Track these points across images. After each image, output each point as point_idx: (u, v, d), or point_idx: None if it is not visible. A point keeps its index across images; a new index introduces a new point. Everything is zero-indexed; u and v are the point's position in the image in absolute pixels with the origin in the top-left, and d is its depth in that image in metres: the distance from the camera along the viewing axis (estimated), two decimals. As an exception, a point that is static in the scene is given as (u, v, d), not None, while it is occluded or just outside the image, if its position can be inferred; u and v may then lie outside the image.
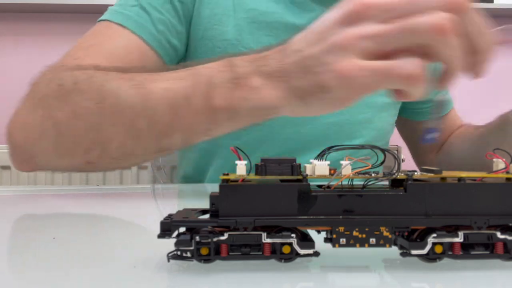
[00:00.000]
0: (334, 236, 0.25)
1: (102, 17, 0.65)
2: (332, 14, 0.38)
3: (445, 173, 0.26)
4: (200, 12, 0.70)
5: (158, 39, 0.65)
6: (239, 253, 0.25)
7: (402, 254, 0.26)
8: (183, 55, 0.72)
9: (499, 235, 0.25)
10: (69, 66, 0.55)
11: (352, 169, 0.25)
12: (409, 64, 0.32)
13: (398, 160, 0.25)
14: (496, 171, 0.26)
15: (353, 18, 0.35)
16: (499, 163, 0.26)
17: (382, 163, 0.26)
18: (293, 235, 0.25)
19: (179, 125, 0.46)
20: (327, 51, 0.36)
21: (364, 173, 0.26)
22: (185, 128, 0.46)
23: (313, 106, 0.40)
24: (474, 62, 0.34)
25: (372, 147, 0.26)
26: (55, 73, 0.53)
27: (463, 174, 0.26)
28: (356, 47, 0.34)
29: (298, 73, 0.39)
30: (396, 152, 0.27)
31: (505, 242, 0.25)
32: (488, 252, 0.25)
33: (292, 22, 0.69)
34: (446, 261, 0.26)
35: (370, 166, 0.25)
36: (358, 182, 0.27)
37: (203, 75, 0.45)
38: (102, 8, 0.70)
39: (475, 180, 0.26)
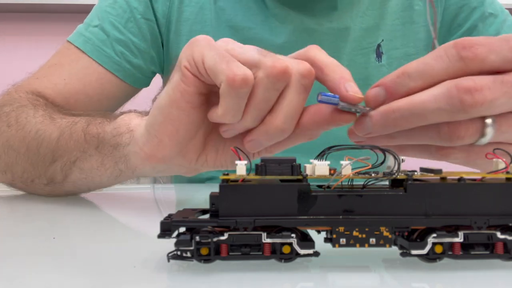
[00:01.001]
0: (334, 236, 0.25)
1: (69, 37, 0.68)
2: None
3: (445, 173, 0.26)
4: (178, 29, 0.69)
5: (116, 62, 0.66)
6: (239, 253, 0.25)
7: (402, 254, 0.26)
8: (152, 73, 0.72)
9: (499, 235, 0.25)
10: (24, 89, 0.61)
11: (352, 169, 0.25)
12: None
13: (398, 160, 0.25)
14: (496, 171, 0.26)
15: None
16: (499, 163, 0.26)
17: (382, 163, 0.26)
18: (293, 235, 0.25)
19: (59, 152, 0.49)
20: None
21: (364, 173, 0.26)
22: (62, 156, 0.48)
23: None
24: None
25: (372, 147, 0.26)
26: (9, 98, 0.59)
27: (463, 174, 0.26)
28: None
29: None
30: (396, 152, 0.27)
31: (505, 242, 0.25)
32: (488, 252, 0.25)
33: (268, 39, 0.68)
34: (446, 261, 0.26)
35: (370, 166, 0.25)
36: (358, 182, 0.27)
37: (97, 114, 0.50)
38: (102, 8, 0.70)
39: (475, 180, 0.26)
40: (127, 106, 0.71)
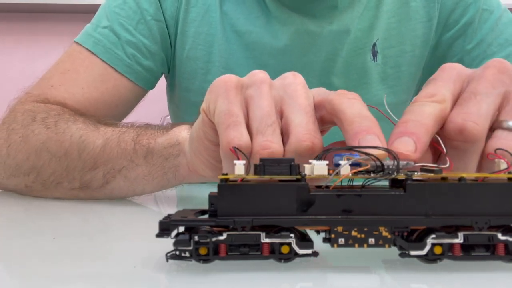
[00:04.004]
0: (333, 236, 0.25)
1: (77, 38, 0.67)
2: None
3: (445, 173, 0.26)
4: (184, 30, 0.69)
5: (128, 64, 0.66)
6: (238, 253, 0.25)
7: (401, 255, 0.25)
8: (161, 74, 0.72)
9: (500, 236, 0.25)
10: (42, 98, 0.60)
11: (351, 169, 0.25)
12: None
13: (397, 159, 0.25)
14: (498, 171, 0.26)
15: None
16: (501, 163, 0.26)
17: (382, 165, 0.26)
18: (292, 235, 0.25)
19: (102, 160, 0.48)
20: None
21: (363, 173, 0.26)
22: (106, 163, 0.48)
23: None
24: None
25: (370, 147, 0.26)
26: (39, 106, 0.58)
27: (464, 174, 0.26)
28: None
29: None
30: (395, 152, 0.26)
31: (506, 243, 0.25)
32: (489, 254, 0.25)
33: (269, 43, 0.68)
34: (447, 262, 0.25)
35: (369, 166, 0.25)
36: (358, 182, 0.26)
37: (147, 125, 0.50)
38: (102, 8, 0.70)
39: (476, 180, 0.26)
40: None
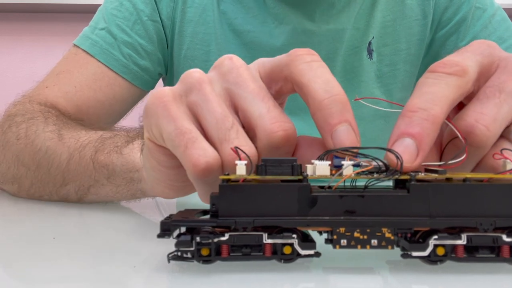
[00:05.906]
0: (335, 237, 0.25)
1: (75, 41, 0.67)
2: None
3: (450, 174, 0.26)
4: (182, 30, 0.69)
5: (124, 64, 0.66)
6: (240, 254, 0.25)
7: (403, 256, 0.25)
8: (159, 75, 0.72)
9: (504, 237, 0.24)
10: (36, 99, 0.60)
11: (354, 169, 0.25)
12: None
13: (400, 160, 0.25)
14: (504, 172, 0.26)
15: None
16: (507, 164, 0.26)
17: (386, 166, 0.25)
18: (294, 235, 0.25)
19: (70, 176, 0.47)
20: None
21: (366, 174, 0.25)
22: (74, 180, 0.46)
23: None
24: None
25: (375, 147, 0.26)
26: (22, 107, 0.58)
27: (468, 174, 0.25)
28: None
29: None
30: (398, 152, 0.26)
31: (511, 245, 0.25)
32: (493, 256, 0.25)
33: (267, 42, 0.68)
34: (451, 263, 0.25)
35: (372, 167, 0.25)
36: (361, 183, 0.26)
37: (107, 136, 0.47)
38: (102, 8, 0.70)
39: (481, 180, 0.25)
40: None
